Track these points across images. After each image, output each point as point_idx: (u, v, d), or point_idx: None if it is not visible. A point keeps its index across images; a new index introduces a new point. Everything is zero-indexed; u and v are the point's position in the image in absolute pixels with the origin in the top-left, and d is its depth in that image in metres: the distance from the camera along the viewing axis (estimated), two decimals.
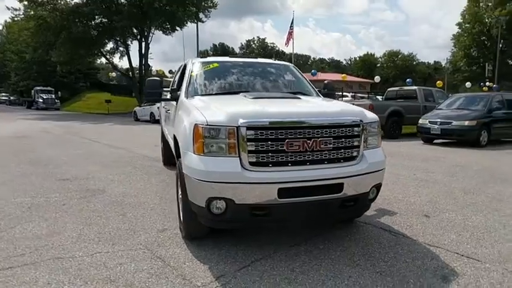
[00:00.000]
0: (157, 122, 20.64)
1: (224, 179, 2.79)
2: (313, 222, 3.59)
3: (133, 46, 46.72)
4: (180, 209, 3.58)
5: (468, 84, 39.40)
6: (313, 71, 32.67)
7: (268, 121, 2.84)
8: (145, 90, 4.23)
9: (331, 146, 2.98)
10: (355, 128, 3.09)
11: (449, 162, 7.82)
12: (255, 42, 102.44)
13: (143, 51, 34.26)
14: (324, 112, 3.16)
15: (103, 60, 44.35)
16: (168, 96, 4.40)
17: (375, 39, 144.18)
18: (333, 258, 3.10)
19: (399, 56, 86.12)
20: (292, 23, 45.81)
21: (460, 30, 56.49)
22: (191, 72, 4.26)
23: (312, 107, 3.44)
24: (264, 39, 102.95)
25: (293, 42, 44.62)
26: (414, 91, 13.96)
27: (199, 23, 32.26)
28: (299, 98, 3.74)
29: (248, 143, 2.81)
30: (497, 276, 2.84)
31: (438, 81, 32.54)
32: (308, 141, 2.90)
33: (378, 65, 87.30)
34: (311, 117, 2.96)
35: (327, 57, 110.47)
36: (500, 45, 51.05)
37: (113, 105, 33.49)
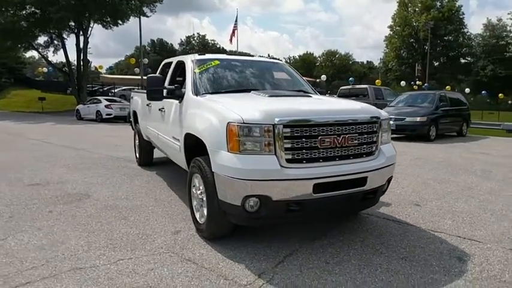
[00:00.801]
0: (105, 121, 19.61)
1: (264, 176, 2.80)
2: (338, 215, 3.72)
3: (70, 40, 43.23)
4: (198, 208, 3.52)
5: (403, 83, 42.67)
6: None
7: (304, 119, 2.90)
8: (147, 87, 4.04)
9: (356, 142, 3.13)
10: (375, 125, 3.27)
11: (411, 156, 8.50)
12: (195, 38, 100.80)
13: (81, 46, 32.03)
14: (350, 110, 3.30)
15: (34, 54, 40.64)
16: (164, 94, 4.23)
17: (310, 38, 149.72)
18: (356, 249, 3.26)
19: (336, 56, 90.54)
20: (236, 20, 46.01)
21: (391, 33, 60.73)
22: (194, 69, 4.15)
23: (335, 105, 3.56)
24: (204, 36, 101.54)
25: (237, 40, 44.86)
26: (366, 89, 14.87)
27: (138, 18, 30.97)
28: (310, 97, 3.85)
29: (285, 141, 2.85)
30: (500, 254, 3.21)
31: (377, 81, 34.78)
32: (338, 138, 3.02)
33: (317, 64, 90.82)
34: (341, 115, 3.09)
35: (266, 56, 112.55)
36: (427, 48, 56.18)
37: (46, 104, 30.83)
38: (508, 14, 49.05)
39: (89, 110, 21.12)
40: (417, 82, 46.67)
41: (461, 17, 54.78)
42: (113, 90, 36.19)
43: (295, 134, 2.88)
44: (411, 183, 5.69)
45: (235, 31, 44.51)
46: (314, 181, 2.89)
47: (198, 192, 3.43)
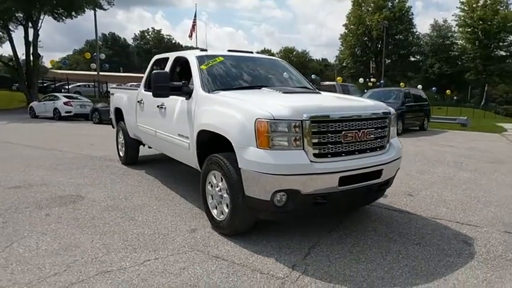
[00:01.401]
0: (64, 119, 18.52)
1: (295, 171, 2.86)
2: (355, 207, 3.86)
3: (18, 32, 40.10)
4: (215, 206, 3.51)
5: (361, 80, 44.30)
6: None
7: (330, 114, 3.00)
8: (153, 83, 3.92)
9: (373, 136, 3.29)
10: (386, 119, 3.45)
11: None
12: (150, 33, 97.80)
13: (31, 39, 29.90)
14: (367, 106, 3.44)
15: None
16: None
17: (265, 35, 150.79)
18: (372, 238, 3.43)
19: (294, 53, 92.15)
20: (195, 15, 45.35)
21: (346, 31, 62.75)
22: (199, 66, 4.09)
23: (353, 101, 3.68)
24: (159, 31, 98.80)
25: (196, 36, 44.25)
26: (334, 86, 15.34)
27: (92, 11, 29.52)
28: (320, 93, 3.96)
29: (312, 136, 2.93)
30: (498, 236, 3.53)
31: (338, 78, 35.91)
32: (358, 133, 3.15)
33: None
34: (361, 111, 3.23)
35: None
36: (380, 46, 58.83)
37: None
38: (453, 15, 52.56)
39: (45, 107, 19.83)
40: (371, 79, 48.82)
41: (410, 17, 57.83)
42: (66, 87, 34.28)
43: (322, 130, 2.98)
44: (398, 175, 5.99)
45: (195, 26, 43.92)
46: (339, 174, 3.00)
47: (217, 189, 3.42)
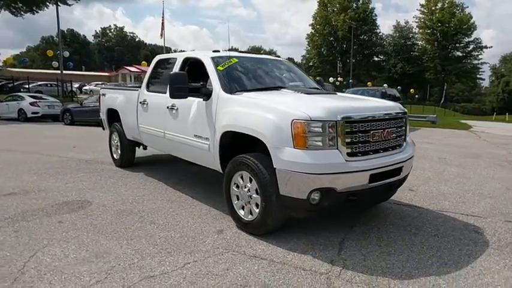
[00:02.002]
0: (31, 120, 17.56)
1: (332, 170, 2.98)
2: (378, 202, 4.02)
3: None
4: (241, 206, 3.55)
5: (331, 79, 45.19)
6: None
7: (362, 115, 3.14)
8: (171, 85, 3.87)
9: (394, 135, 3.47)
10: (403, 119, 3.64)
11: None
12: (112, 30, 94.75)
13: None
14: (388, 106, 3.61)
15: None
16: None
17: (231, 34, 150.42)
18: (393, 231, 3.62)
19: (261, 52, 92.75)
20: (163, 13, 44.52)
21: (313, 31, 63.94)
22: (216, 67, 4.09)
23: (377, 102, 3.82)
24: (122, 28, 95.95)
25: (164, 34, 43.48)
26: None
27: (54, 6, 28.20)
28: (336, 94, 4.10)
29: (346, 136, 3.05)
30: (502, 225, 3.83)
31: (310, 77, 36.43)
32: (383, 132, 3.32)
33: None
34: (386, 111, 3.39)
35: (188, 50, 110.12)
36: (345, 46, 60.53)
37: None
38: (413, 17, 55.10)
39: (8, 108, 18.68)
40: (339, 78, 50.11)
41: (374, 18, 59.92)
42: (26, 86, 32.47)
43: (354, 129, 3.11)
44: None
45: (164, 24, 43.18)
46: (370, 172, 3.15)
47: (245, 189, 3.46)
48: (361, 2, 60.62)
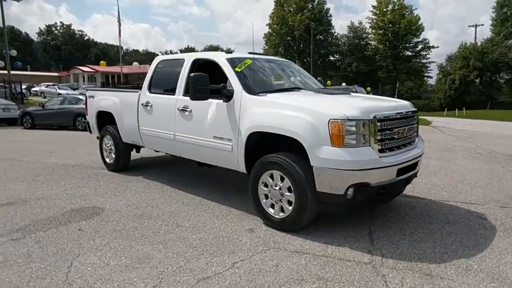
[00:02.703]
0: None
1: (368, 166, 3.17)
2: (397, 195, 4.25)
3: None
4: (270, 204, 3.64)
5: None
6: None
7: (390, 113, 3.37)
8: (193, 86, 3.86)
9: (411, 132, 3.74)
10: (415, 116, 3.93)
11: None
12: (58, 28, 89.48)
13: None
14: (406, 105, 3.87)
15: None
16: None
17: (184, 32, 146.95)
18: (410, 221, 3.89)
19: (218, 51, 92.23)
20: (118, 12, 42.95)
21: (270, 30, 64.68)
22: (233, 68, 4.14)
23: (397, 101, 4.05)
24: (69, 26, 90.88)
25: (120, 34, 42.01)
26: None
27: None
28: (349, 94, 4.31)
29: (377, 133, 3.26)
30: (499, 211, 4.25)
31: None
32: (405, 129, 3.57)
33: None
34: (405, 109, 3.66)
35: (141, 49, 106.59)
36: (302, 46, 61.95)
37: None
38: (366, 18, 57.54)
39: None
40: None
41: (329, 18, 61.86)
42: None
43: (383, 127, 3.33)
44: None
45: (120, 22, 41.63)
46: (398, 166, 3.39)
47: (276, 188, 3.56)
48: (316, 2, 62.23)
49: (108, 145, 6.23)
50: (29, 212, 4.22)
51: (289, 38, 63.96)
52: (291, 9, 63.00)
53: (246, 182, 4.00)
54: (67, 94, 20.93)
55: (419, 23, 51.49)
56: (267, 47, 67.41)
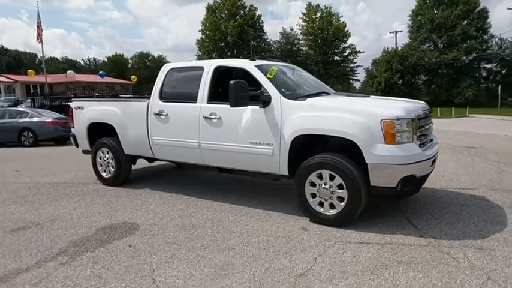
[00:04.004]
0: None
1: (417, 159, 3.57)
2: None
3: None
4: (318, 202, 3.87)
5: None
6: (100, 72, 30.06)
7: (421, 113, 3.83)
8: (234, 93, 3.92)
9: (430, 130, 4.24)
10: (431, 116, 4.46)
11: None
12: None
13: None
14: (425, 104, 4.35)
15: None
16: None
17: (105, 38, 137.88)
18: (434, 207, 4.40)
19: (150, 58, 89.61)
20: (38, 15, 39.70)
21: (203, 36, 64.48)
22: (265, 75, 4.29)
23: (417, 101, 4.50)
24: None
25: (41, 40, 38.91)
26: None
27: None
28: (370, 97, 4.72)
29: (418, 130, 3.68)
30: (492, 193, 4.97)
31: None
32: (430, 126, 4.07)
33: (129, 66, 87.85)
34: (428, 108, 4.16)
35: (58, 57, 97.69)
36: (236, 51, 62.74)
37: None
38: (297, 25, 60.27)
39: None
40: None
41: (261, 24, 63.55)
42: None
43: (420, 125, 3.76)
44: None
45: (40, 27, 38.41)
46: (432, 159, 3.84)
47: (325, 186, 3.79)
48: (248, 9, 63.53)
49: (105, 159, 5.91)
50: (54, 235, 3.91)
51: (222, 44, 64.26)
52: (223, 16, 63.47)
53: (259, 186, 4.16)
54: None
55: (346, 29, 55.39)
56: (200, 53, 67.07)
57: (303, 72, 5.43)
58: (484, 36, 42.90)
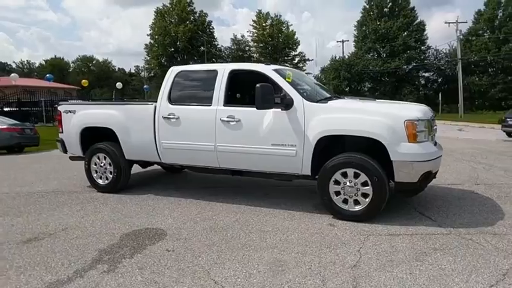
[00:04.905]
0: None
1: (433, 156, 3.95)
2: None
3: None
4: (342, 199, 4.11)
5: None
6: (47, 76, 28.03)
7: (431, 115, 4.22)
8: (261, 96, 4.02)
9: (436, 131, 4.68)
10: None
11: None
12: None
13: None
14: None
15: None
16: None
17: (38, 40, 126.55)
18: (440, 202, 4.84)
19: (94, 62, 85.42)
20: None
21: (152, 41, 62.90)
22: (284, 79, 4.45)
23: (423, 105, 4.88)
24: None
25: None
26: None
27: None
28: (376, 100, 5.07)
29: (431, 130, 4.08)
30: (477, 187, 5.57)
31: None
32: (435, 128, 4.49)
33: (70, 69, 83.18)
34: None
35: None
36: (186, 57, 62.02)
37: None
38: (247, 31, 61.12)
39: None
40: None
41: (212, 30, 63.47)
42: None
43: (431, 126, 4.15)
44: None
45: None
46: (441, 157, 4.25)
47: (350, 184, 4.03)
48: (198, 14, 63.13)
49: (102, 165, 5.65)
50: (76, 244, 3.71)
51: (172, 49, 63.08)
52: (173, 20, 62.42)
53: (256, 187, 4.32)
54: None
55: (296, 37, 57.26)
56: (148, 58, 65.32)
57: (308, 76, 5.67)
58: (422, 47, 46.82)
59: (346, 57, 49.59)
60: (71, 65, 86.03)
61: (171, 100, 5.05)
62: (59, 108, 6.00)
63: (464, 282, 2.76)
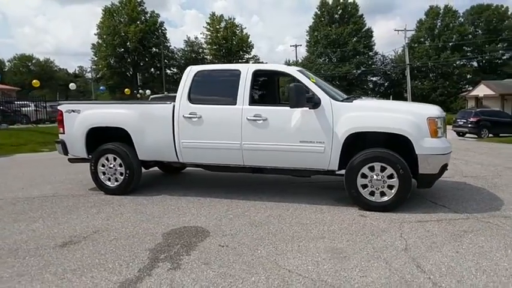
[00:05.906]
0: None
1: (449, 150, 4.42)
2: None
3: None
4: (369, 191, 4.43)
5: (127, 90, 43.10)
6: None
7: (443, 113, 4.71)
8: (294, 96, 4.20)
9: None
10: None
11: None
12: None
13: None
14: None
15: None
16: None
17: None
18: (443, 193, 5.31)
19: (34, 61, 79.69)
20: None
21: (100, 41, 60.03)
22: (309, 80, 4.68)
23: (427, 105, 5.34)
24: None
25: None
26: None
27: None
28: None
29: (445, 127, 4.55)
30: (467, 179, 6.21)
31: (126, 90, 34.45)
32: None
33: (6, 69, 76.90)
34: None
35: None
36: (136, 58, 60.10)
37: None
38: (201, 34, 60.62)
39: None
40: (140, 91, 49.53)
41: (164, 31, 62.05)
42: None
43: (444, 123, 4.63)
44: None
45: None
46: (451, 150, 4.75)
47: (377, 177, 4.37)
48: (149, 15, 61.41)
49: (111, 166, 5.46)
50: (120, 245, 3.62)
51: (122, 50, 60.66)
52: (123, 20, 60.09)
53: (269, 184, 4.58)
54: None
55: (250, 40, 57.93)
56: (96, 58, 62.27)
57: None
58: (370, 53, 49.78)
59: (300, 61, 51.16)
60: (7, 64, 79.45)
61: (191, 99, 5.06)
62: (60, 108, 5.70)
63: (505, 256, 3.17)
